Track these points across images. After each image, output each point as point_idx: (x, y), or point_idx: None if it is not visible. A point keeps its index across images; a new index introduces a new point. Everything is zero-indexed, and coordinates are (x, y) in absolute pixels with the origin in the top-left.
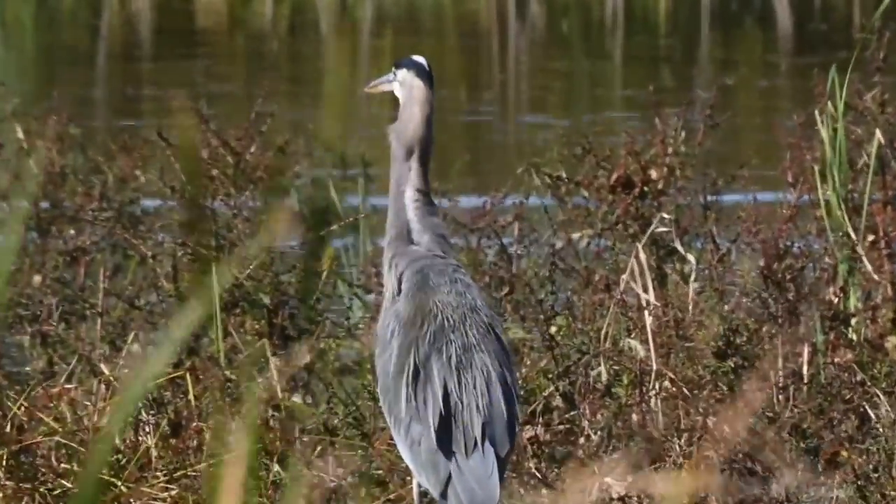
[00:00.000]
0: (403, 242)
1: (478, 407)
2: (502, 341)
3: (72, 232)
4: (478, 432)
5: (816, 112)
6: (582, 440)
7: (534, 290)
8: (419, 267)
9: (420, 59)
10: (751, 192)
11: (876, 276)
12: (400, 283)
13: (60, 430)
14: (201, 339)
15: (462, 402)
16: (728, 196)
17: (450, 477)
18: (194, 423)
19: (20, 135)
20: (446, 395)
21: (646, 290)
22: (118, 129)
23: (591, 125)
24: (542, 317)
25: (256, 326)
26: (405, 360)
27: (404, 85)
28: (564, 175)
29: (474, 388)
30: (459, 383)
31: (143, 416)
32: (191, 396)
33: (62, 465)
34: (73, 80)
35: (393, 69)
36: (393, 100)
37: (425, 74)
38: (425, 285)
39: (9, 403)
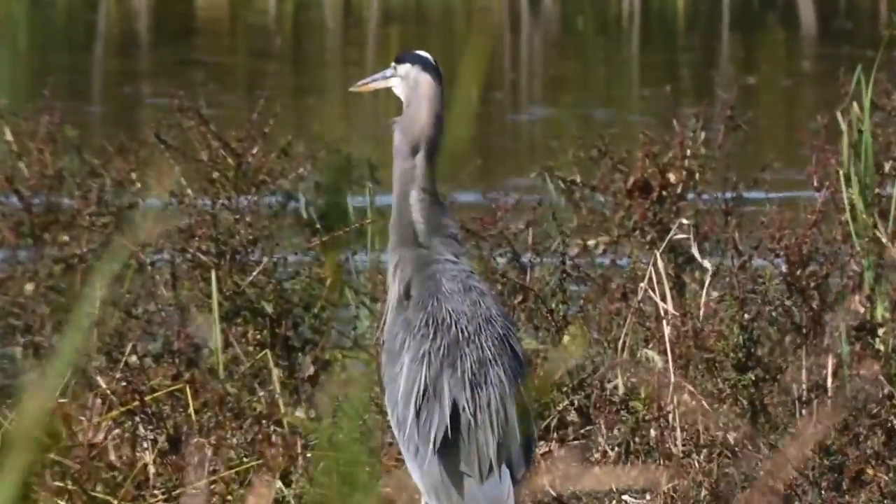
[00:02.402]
0: (409, 245)
1: (493, 427)
2: (518, 354)
3: (66, 238)
4: (493, 455)
5: (839, 113)
6: (598, 456)
7: (546, 300)
8: (430, 272)
9: (424, 53)
10: (774, 194)
11: None
12: (408, 289)
13: (54, 445)
14: (201, 351)
15: (476, 422)
16: (751, 197)
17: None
18: (194, 439)
19: (9, 136)
20: (456, 417)
21: (664, 299)
22: (114, 130)
23: (606, 126)
24: (555, 327)
25: (258, 337)
26: (416, 374)
27: (407, 80)
28: (579, 179)
29: (489, 406)
30: (474, 401)
31: (141, 431)
32: (190, 410)
33: (56, 483)
34: (69, 81)
35: (393, 65)
36: (396, 98)
37: (432, 68)
38: (437, 292)
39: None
